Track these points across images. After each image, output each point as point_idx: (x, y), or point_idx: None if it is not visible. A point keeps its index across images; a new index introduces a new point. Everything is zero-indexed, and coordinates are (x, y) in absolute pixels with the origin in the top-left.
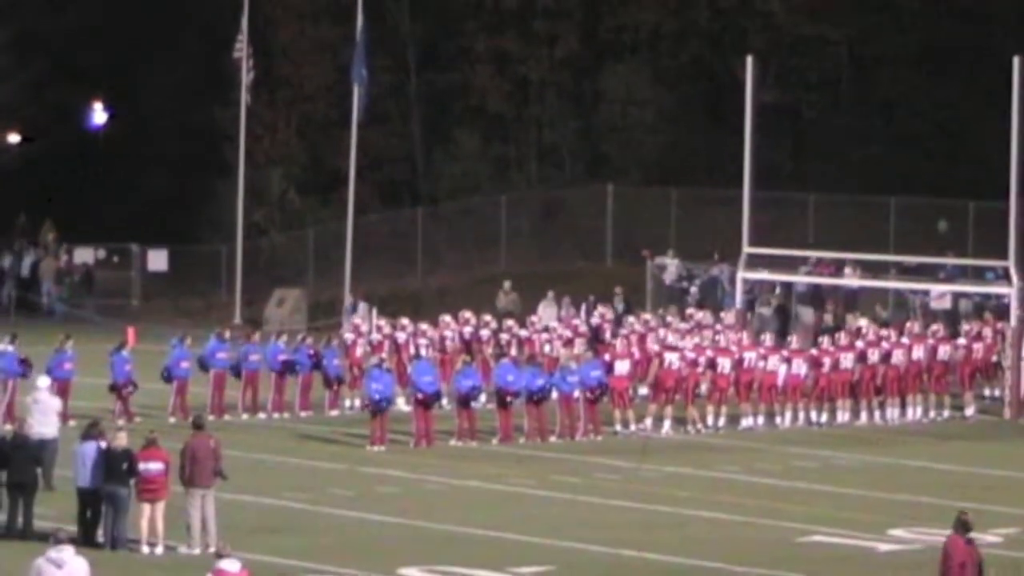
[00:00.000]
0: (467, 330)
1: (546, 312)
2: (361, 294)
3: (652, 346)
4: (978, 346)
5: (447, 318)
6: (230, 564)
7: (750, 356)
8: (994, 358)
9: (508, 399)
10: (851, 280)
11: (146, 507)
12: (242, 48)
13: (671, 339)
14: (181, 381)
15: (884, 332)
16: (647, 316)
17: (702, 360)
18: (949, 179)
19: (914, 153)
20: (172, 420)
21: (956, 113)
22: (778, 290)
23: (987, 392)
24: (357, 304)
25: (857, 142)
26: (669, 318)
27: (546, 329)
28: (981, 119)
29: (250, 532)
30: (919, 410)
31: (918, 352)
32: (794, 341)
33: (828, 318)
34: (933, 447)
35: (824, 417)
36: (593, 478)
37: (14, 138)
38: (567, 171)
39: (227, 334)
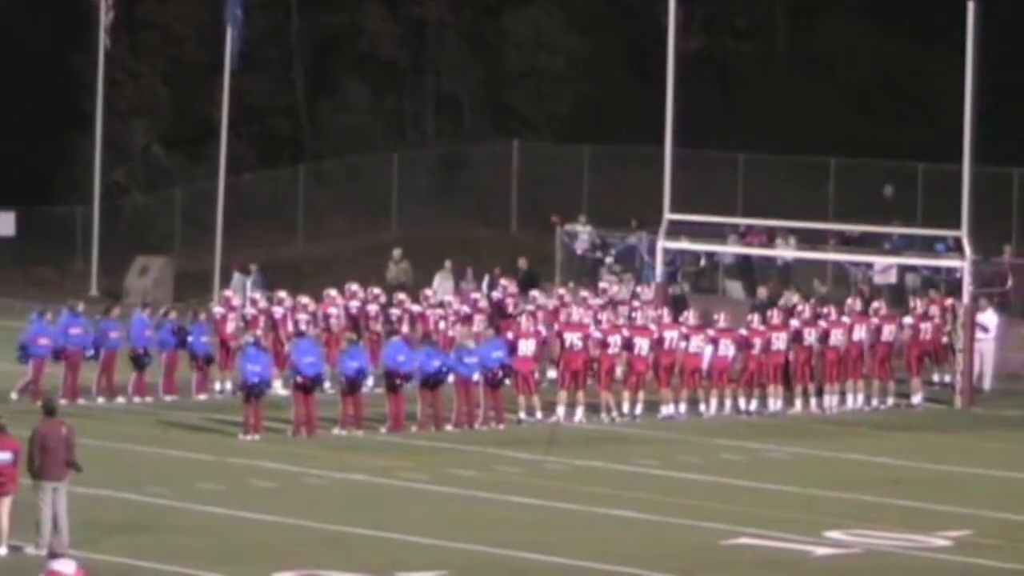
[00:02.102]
0: (354, 305)
1: (443, 285)
2: (235, 264)
3: (539, 327)
4: (926, 326)
5: (332, 292)
6: (65, 565)
7: (671, 336)
8: (944, 339)
9: (399, 383)
10: (785, 251)
11: None
12: None
13: (574, 316)
14: (38, 360)
15: (822, 310)
16: (561, 290)
17: (616, 340)
18: (896, 138)
19: (857, 109)
20: (14, 396)
21: (904, 64)
22: (703, 262)
23: (936, 378)
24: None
25: (793, 96)
26: (583, 292)
27: (441, 304)
28: (932, 71)
29: (107, 531)
30: (860, 398)
31: (860, 333)
32: (721, 320)
33: (761, 293)
34: (876, 439)
35: (754, 405)
36: (494, 472)
37: None
38: (467, 125)
39: (80, 307)
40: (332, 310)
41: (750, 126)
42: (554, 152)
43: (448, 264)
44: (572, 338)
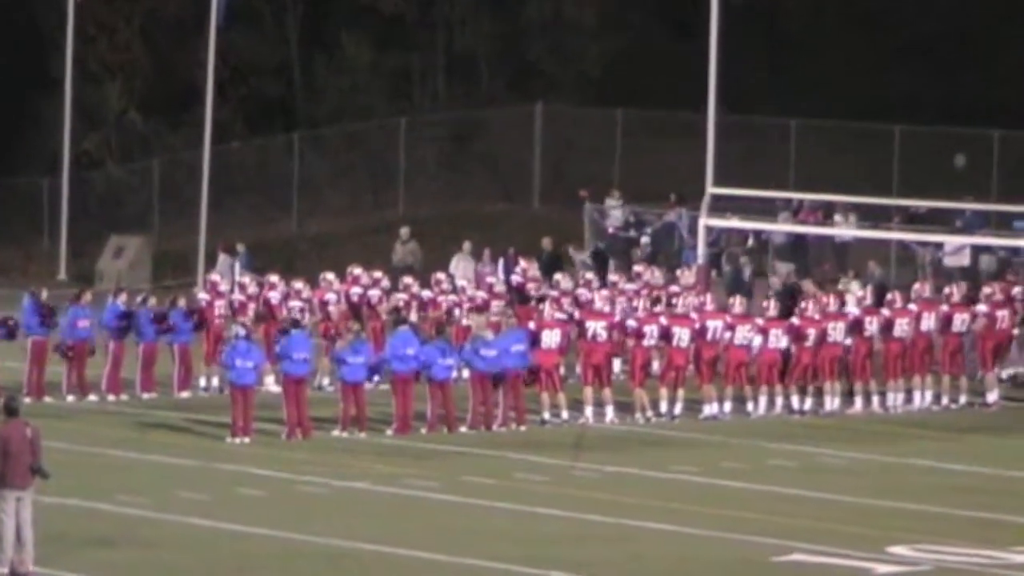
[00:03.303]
0: (355, 291)
1: (462, 268)
2: (221, 245)
3: (555, 314)
4: (1003, 314)
5: (329, 276)
6: None
7: (715, 326)
8: (1015, 330)
9: (405, 378)
10: (844, 230)
11: None
12: None
13: (597, 303)
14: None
15: (888, 296)
16: (589, 274)
17: (652, 330)
18: (969, 102)
19: (924, 68)
20: None
21: (978, 16)
22: (751, 242)
23: (1011, 372)
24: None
25: (851, 53)
26: (613, 276)
27: (455, 290)
28: (1010, 25)
29: (77, 545)
30: (928, 395)
31: (928, 322)
32: (771, 307)
33: (774, 281)
34: (945, 442)
35: (807, 404)
36: (514, 479)
37: None
38: (483, 87)
39: (44, 293)
40: (329, 296)
41: (803, 88)
42: (582, 117)
43: (467, 246)
44: (595, 327)
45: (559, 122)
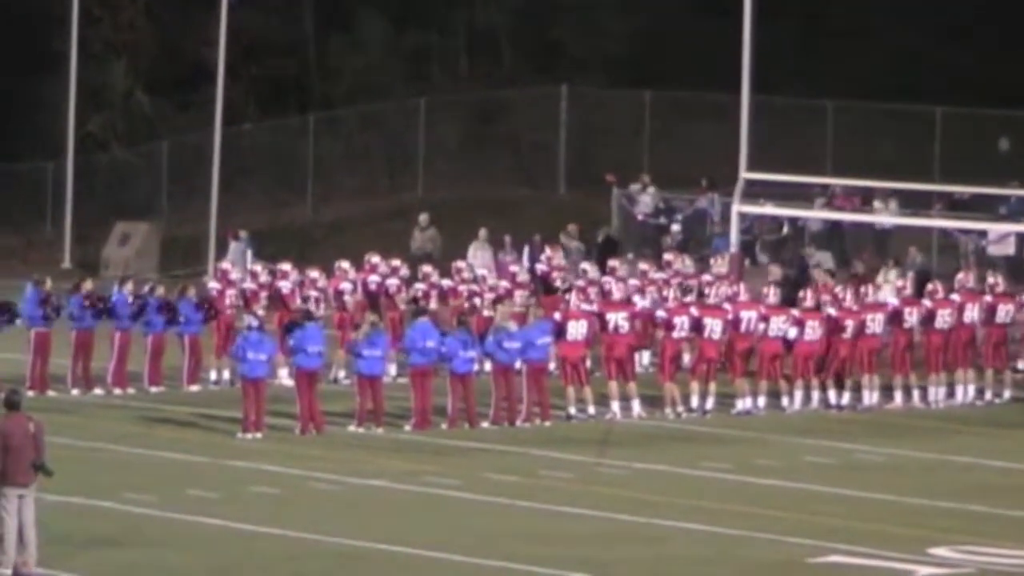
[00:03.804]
0: (373, 280)
1: (479, 256)
2: (232, 231)
3: (581, 304)
4: None
5: (344, 264)
6: None
7: (748, 316)
8: None
9: (424, 371)
10: (883, 216)
11: None
12: None
13: (617, 293)
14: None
15: (928, 286)
16: (614, 262)
17: (683, 322)
18: (1014, 83)
19: (966, 48)
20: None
21: None
22: (786, 229)
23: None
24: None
25: (891, 31)
26: (642, 265)
27: (476, 279)
28: None
29: (81, 545)
30: (971, 390)
31: (971, 313)
32: (807, 298)
33: (774, 271)
34: (989, 439)
35: (845, 398)
36: (538, 477)
37: None
38: (506, 66)
39: (48, 282)
40: (345, 285)
41: (840, 68)
42: (609, 98)
43: (484, 232)
44: (616, 318)
45: (585, 103)
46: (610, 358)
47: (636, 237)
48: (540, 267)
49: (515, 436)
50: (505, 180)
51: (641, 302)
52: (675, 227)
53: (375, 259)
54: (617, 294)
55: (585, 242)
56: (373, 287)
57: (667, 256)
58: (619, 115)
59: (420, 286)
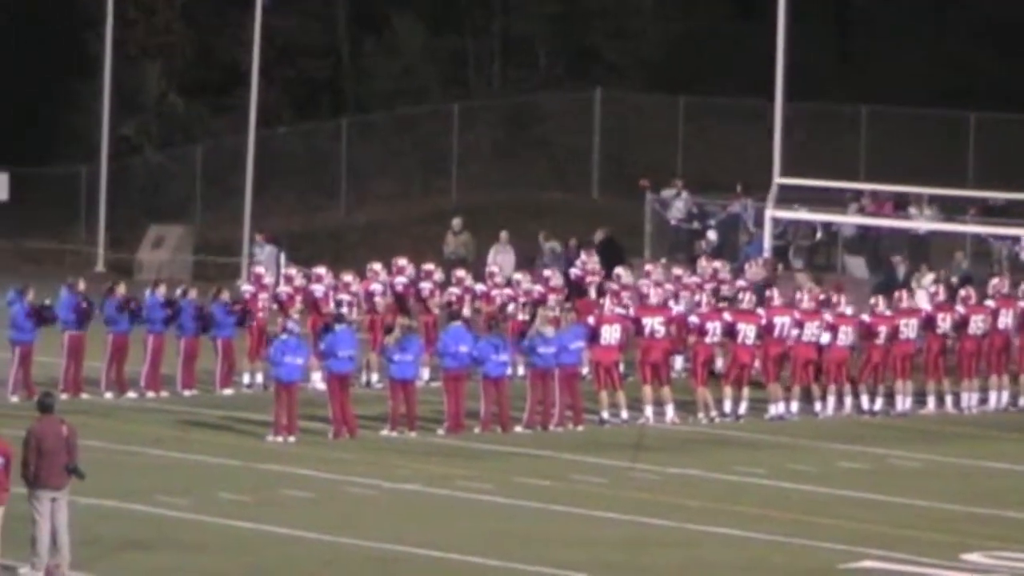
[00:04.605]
0: (400, 281)
1: (500, 260)
2: (266, 234)
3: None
4: None
5: (376, 266)
6: None
7: (782, 322)
8: None
9: (457, 375)
10: (916, 222)
11: None
12: None
13: (653, 297)
14: (24, 347)
15: (961, 292)
16: (648, 266)
17: (716, 327)
18: None
19: (1000, 53)
20: (14, 399)
21: None
22: (819, 234)
23: None
24: (264, 245)
25: (924, 37)
26: (676, 270)
27: (509, 283)
28: None
29: (114, 548)
30: (1004, 396)
31: (1005, 319)
32: (841, 303)
33: (752, 272)
34: (1022, 445)
35: (878, 404)
36: (571, 481)
37: None
38: (540, 71)
39: (82, 284)
40: (375, 287)
41: (874, 73)
42: (642, 103)
43: (505, 235)
44: (652, 323)
45: (619, 108)
46: (646, 362)
47: (669, 242)
48: (574, 271)
49: (548, 440)
50: (539, 185)
51: (675, 307)
52: (711, 234)
53: (402, 262)
54: (655, 298)
55: (615, 245)
56: (400, 287)
57: (702, 262)
58: (653, 120)
59: (454, 290)
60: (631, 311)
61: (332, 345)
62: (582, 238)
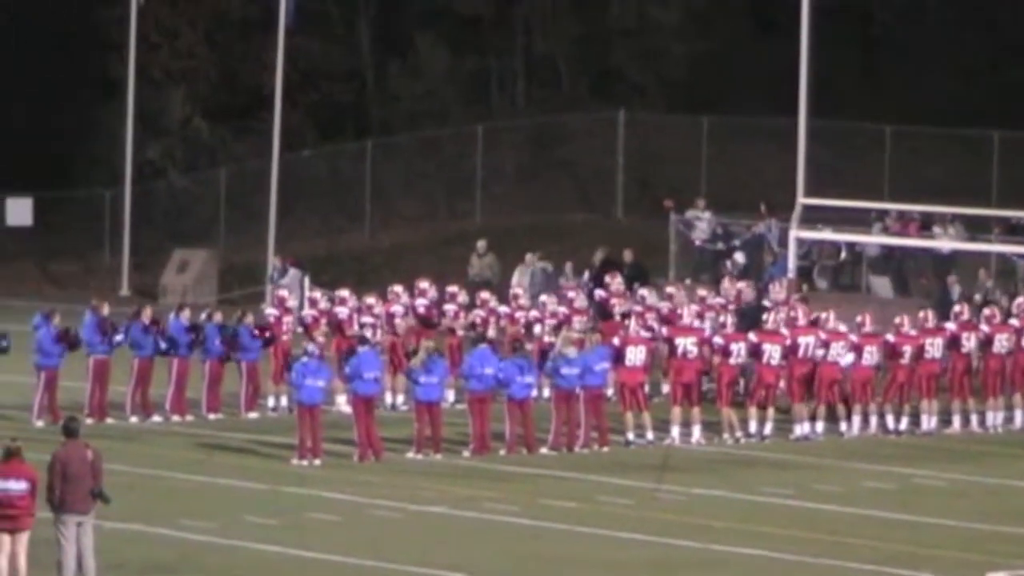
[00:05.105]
0: (421, 303)
1: (523, 281)
2: (290, 258)
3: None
4: None
5: (397, 288)
6: None
7: (807, 342)
8: None
9: (482, 397)
10: (940, 242)
11: (5, 539)
12: None
13: (686, 318)
14: (50, 372)
15: (985, 311)
16: (670, 288)
17: (740, 348)
18: None
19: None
20: (39, 424)
21: None
22: (844, 254)
23: None
24: (287, 269)
25: (949, 55)
26: (700, 291)
27: (535, 304)
28: None
29: (139, 572)
30: None
31: None
32: (866, 323)
33: (726, 286)
34: None
35: (904, 423)
36: (597, 503)
37: None
38: (564, 92)
39: (106, 308)
40: (396, 309)
41: (898, 92)
42: (666, 123)
43: (529, 257)
44: (685, 343)
45: (643, 129)
46: (677, 383)
47: (694, 262)
48: (599, 293)
49: (573, 462)
50: (563, 206)
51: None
52: (738, 256)
53: (424, 284)
54: (688, 319)
55: (641, 267)
56: (422, 309)
57: (726, 283)
58: (677, 140)
59: (479, 313)
60: (664, 331)
61: (357, 367)
62: (607, 258)
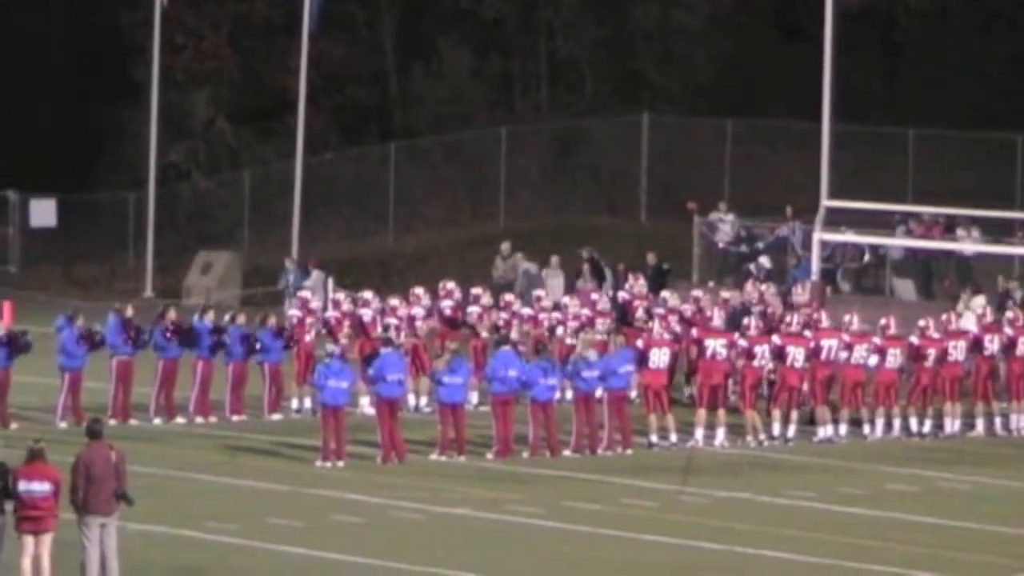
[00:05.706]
0: (446, 304)
1: (553, 284)
2: (313, 260)
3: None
4: None
5: (418, 290)
6: None
7: (830, 344)
8: None
9: (505, 400)
10: (963, 244)
11: (28, 540)
12: None
13: (716, 320)
14: (74, 373)
15: (1008, 314)
16: (696, 291)
17: (764, 351)
18: None
19: None
20: (63, 425)
21: None
22: (867, 257)
23: None
24: (309, 270)
25: (972, 59)
26: (724, 293)
27: (557, 307)
28: None
29: (164, 574)
30: None
31: None
32: (890, 326)
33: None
34: None
35: (927, 426)
36: (620, 505)
37: None
38: (587, 95)
39: (129, 310)
40: (417, 311)
41: (921, 95)
42: (690, 127)
43: (556, 259)
44: (714, 345)
45: (666, 132)
46: (705, 384)
47: (717, 265)
48: (622, 295)
49: (597, 464)
50: (587, 209)
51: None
52: (764, 259)
53: (450, 285)
54: (718, 320)
55: (663, 272)
56: (448, 311)
57: (749, 286)
58: (700, 143)
59: (503, 315)
60: (694, 332)
61: (380, 369)
62: (630, 262)
